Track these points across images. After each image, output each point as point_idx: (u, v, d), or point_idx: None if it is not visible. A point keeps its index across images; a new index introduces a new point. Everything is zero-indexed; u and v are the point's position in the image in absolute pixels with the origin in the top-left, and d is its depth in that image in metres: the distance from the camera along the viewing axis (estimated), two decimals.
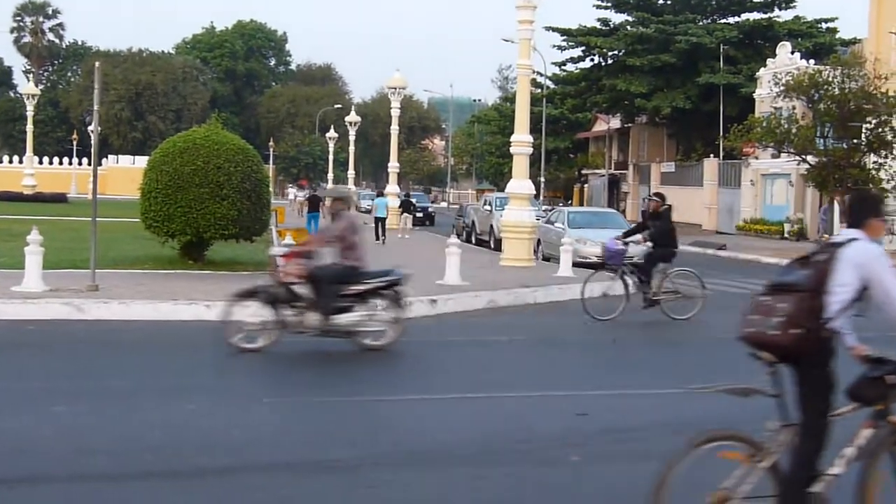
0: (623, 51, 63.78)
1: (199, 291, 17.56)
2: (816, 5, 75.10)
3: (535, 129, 52.99)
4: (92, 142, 19.56)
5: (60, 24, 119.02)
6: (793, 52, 51.89)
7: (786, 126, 39.23)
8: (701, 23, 64.35)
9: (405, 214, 42.75)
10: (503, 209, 29.08)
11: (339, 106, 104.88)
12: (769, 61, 52.91)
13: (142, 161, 22.93)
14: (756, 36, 62.11)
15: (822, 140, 38.93)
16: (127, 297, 16.51)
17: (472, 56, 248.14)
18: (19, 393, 10.38)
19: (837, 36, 61.71)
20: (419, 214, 53.78)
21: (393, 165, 51.12)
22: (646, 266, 18.25)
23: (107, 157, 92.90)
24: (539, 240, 29.77)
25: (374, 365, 12.86)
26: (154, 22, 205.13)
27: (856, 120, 37.87)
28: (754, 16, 64.54)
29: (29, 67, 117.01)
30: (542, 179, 68.69)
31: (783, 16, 64.11)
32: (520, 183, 27.38)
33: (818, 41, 59.61)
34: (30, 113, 69.80)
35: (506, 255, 26.96)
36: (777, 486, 5.77)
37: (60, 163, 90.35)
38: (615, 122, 73.83)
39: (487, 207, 39.39)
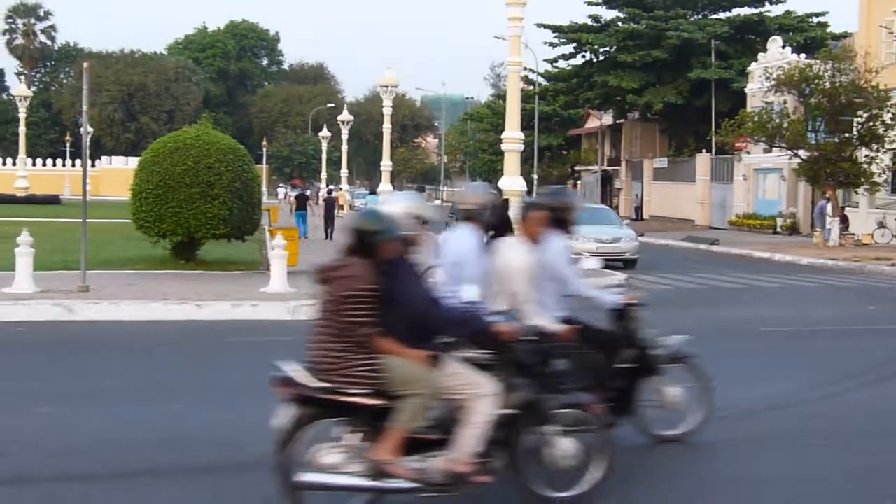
0: (614, 47, 63.77)
1: (191, 291, 17.57)
2: (807, 0, 75.23)
3: (527, 126, 52.99)
4: (83, 142, 19.55)
5: (52, 26, 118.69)
6: (784, 47, 51.93)
7: (777, 120, 39.26)
8: (692, 18, 64.39)
9: None
10: None
11: (332, 105, 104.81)
12: (760, 56, 52.95)
13: (135, 162, 22.91)
14: (747, 31, 62.12)
15: (813, 134, 38.98)
16: (117, 297, 16.52)
17: (464, 54, 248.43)
18: (5, 394, 10.38)
19: (828, 30, 61.72)
20: None
21: (386, 164, 51.03)
22: None
23: (100, 159, 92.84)
24: None
25: None
26: (146, 23, 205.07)
27: (847, 114, 37.94)
28: (745, 11, 64.54)
29: (21, 69, 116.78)
30: (535, 176, 68.68)
31: (774, 10, 64.15)
32: (511, 180, 27.35)
33: (809, 35, 59.66)
34: (22, 115, 69.73)
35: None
36: None
37: (54, 164, 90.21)
38: (607, 119, 73.87)
39: None
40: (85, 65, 18.64)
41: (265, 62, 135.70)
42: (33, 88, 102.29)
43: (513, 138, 27.55)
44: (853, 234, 39.29)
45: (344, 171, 69.01)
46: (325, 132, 79.64)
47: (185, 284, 18.65)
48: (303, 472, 6.28)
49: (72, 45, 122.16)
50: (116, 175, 79.92)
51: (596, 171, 75.00)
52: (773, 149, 41.69)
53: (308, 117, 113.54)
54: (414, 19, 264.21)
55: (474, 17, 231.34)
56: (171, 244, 22.27)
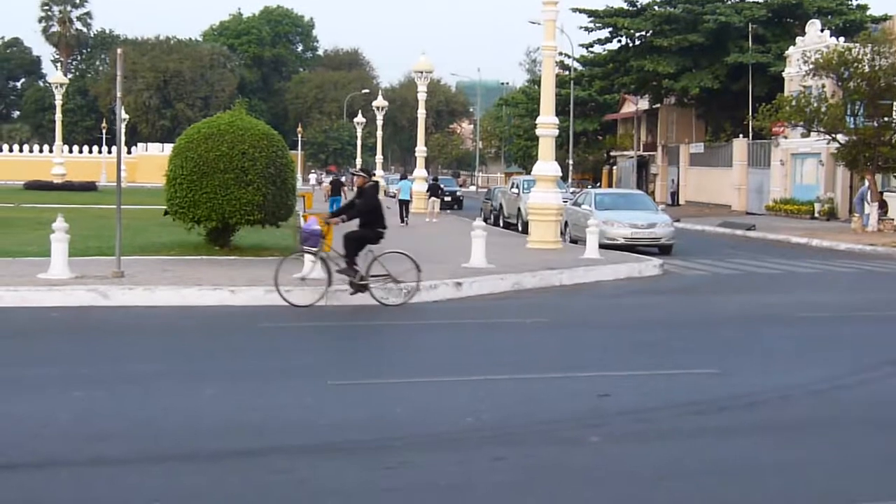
0: (650, 31, 63.30)
1: (225, 277, 17.59)
2: None
3: (563, 112, 52.85)
4: (117, 129, 19.60)
5: (88, 13, 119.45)
6: (822, 30, 51.39)
7: (815, 105, 38.88)
8: (729, 2, 63.81)
9: (433, 198, 42.79)
10: (530, 192, 28.97)
11: (367, 91, 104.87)
12: (798, 39, 52.43)
13: (170, 149, 22.93)
14: (785, 14, 61.52)
15: (852, 118, 38.58)
16: (152, 283, 16.55)
17: (499, 39, 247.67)
18: (40, 378, 10.42)
19: (867, 13, 61.03)
20: (447, 198, 53.92)
21: (420, 149, 51.10)
22: (348, 248, 16.49)
23: (136, 146, 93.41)
24: (566, 222, 29.66)
25: (394, 346, 12.85)
26: (181, 9, 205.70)
27: (886, 98, 37.51)
28: None
29: (57, 57, 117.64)
30: (571, 162, 68.51)
31: None
32: (546, 165, 27.28)
33: (848, 18, 58.99)
34: (58, 102, 70.16)
35: (532, 237, 26.89)
36: None
37: (90, 151, 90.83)
38: (643, 104, 73.43)
39: (515, 190, 39.29)
40: (119, 51, 18.66)
41: (300, 48, 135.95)
42: (69, 76, 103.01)
43: (547, 123, 27.46)
44: (892, 220, 38.85)
45: (379, 157, 69.07)
46: (359, 118, 79.74)
47: (218, 270, 18.68)
48: None
49: (107, 31, 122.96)
50: (152, 162, 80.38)
51: (632, 157, 74.60)
52: (811, 133, 41.31)
53: (343, 103, 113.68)
54: (449, 4, 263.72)
55: (510, 2, 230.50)
56: (206, 230, 22.31)
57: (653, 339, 13.98)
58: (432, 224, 38.80)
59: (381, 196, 18.11)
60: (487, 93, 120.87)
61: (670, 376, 11.05)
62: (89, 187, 62.01)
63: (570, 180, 63.91)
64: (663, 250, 27.94)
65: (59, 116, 71.37)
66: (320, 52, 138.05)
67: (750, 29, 58.74)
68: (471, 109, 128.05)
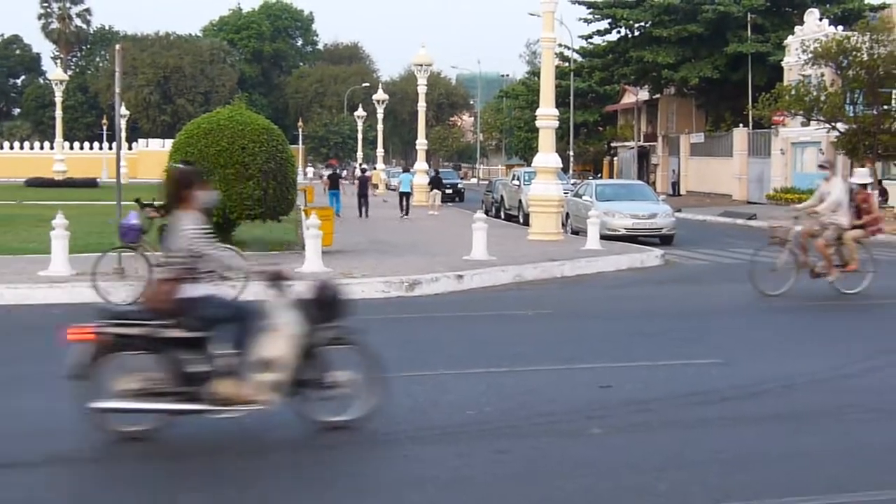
0: (650, 22, 63.21)
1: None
2: None
3: (563, 103, 52.79)
4: (116, 125, 19.61)
5: (87, 10, 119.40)
6: (821, 19, 51.31)
7: (815, 93, 38.87)
8: None
9: (434, 191, 42.88)
10: (531, 183, 28.97)
11: (367, 84, 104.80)
12: (797, 29, 52.35)
13: (171, 144, 22.93)
14: (783, 3, 61.38)
15: (851, 107, 38.58)
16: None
17: (499, 31, 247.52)
18: (43, 376, 10.42)
19: (865, 1, 60.86)
20: (448, 191, 53.94)
21: (421, 142, 51.13)
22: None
23: (136, 141, 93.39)
24: (567, 213, 29.66)
25: (395, 340, 12.84)
26: (180, 5, 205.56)
27: (885, 86, 37.49)
28: None
29: (57, 53, 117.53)
30: (571, 153, 68.48)
31: None
32: (546, 157, 27.28)
33: (846, 7, 58.85)
34: (59, 99, 70.20)
35: (534, 229, 26.91)
36: None
37: (91, 148, 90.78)
38: (643, 94, 73.34)
39: (516, 182, 39.30)
40: (118, 47, 18.68)
41: (300, 43, 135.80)
42: (69, 72, 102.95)
43: (547, 115, 27.46)
44: (892, 207, 38.84)
45: (380, 151, 69.07)
46: (360, 112, 79.69)
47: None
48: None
49: (107, 28, 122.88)
50: (153, 157, 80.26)
51: (632, 148, 74.53)
52: (811, 122, 41.28)
53: (343, 97, 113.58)
54: None
55: None
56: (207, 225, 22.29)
57: (655, 329, 13.98)
58: (434, 217, 38.85)
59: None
60: (488, 85, 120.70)
61: (673, 367, 11.05)
62: (90, 184, 62.01)
63: (570, 172, 63.89)
64: (664, 240, 27.94)
65: (59, 113, 71.42)
66: (320, 46, 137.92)
67: (749, 18, 58.65)
68: (471, 102, 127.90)
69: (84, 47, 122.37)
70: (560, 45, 66.32)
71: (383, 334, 13.46)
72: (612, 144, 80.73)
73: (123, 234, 16.09)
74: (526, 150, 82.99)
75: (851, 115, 38.25)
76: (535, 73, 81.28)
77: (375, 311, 15.18)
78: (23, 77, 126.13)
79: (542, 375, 10.60)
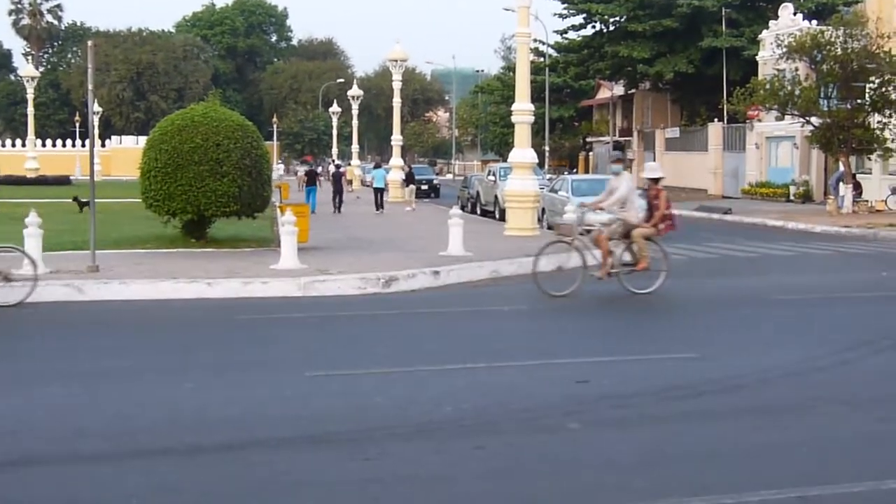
0: (624, 17, 63.35)
1: (201, 269, 17.52)
2: None
3: (538, 99, 52.79)
4: (89, 122, 19.46)
5: (58, 6, 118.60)
6: (795, 13, 51.51)
7: (789, 88, 38.98)
8: None
9: (409, 186, 42.93)
10: (507, 179, 28.95)
11: (342, 80, 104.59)
12: (771, 23, 52.52)
13: (145, 141, 22.83)
14: None
15: (825, 101, 38.70)
16: (127, 276, 16.47)
17: (474, 26, 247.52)
18: (15, 374, 10.35)
19: None
20: (424, 187, 54.00)
21: (396, 138, 51.04)
22: None
23: (110, 138, 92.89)
24: (543, 209, 29.64)
25: (372, 336, 12.80)
26: (153, 1, 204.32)
27: (859, 80, 37.64)
28: None
29: (28, 50, 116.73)
30: (547, 148, 68.49)
31: None
32: (522, 152, 27.27)
33: (820, 1, 59.12)
34: (30, 96, 69.70)
35: (510, 224, 26.90)
36: None
37: (63, 145, 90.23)
38: (619, 89, 73.50)
39: (492, 178, 39.29)
40: (90, 43, 18.51)
41: (274, 38, 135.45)
42: (41, 69, 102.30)
43: (523, 110, 27.43)
44: (866, 201, 39.04)
45: (355, 147, 68.94)
46: (335, 108, 79.51)
47: (195, 263, 18.59)
48: None
49: (78, 24, 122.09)
50: (127, 154, 79.90)
51: (608, 142, 74.63)
52: (786, 116, 41.42)
53: (318, 93, 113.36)
54: None
55: None
56: (181, 223, 22.21)
57: (631, 323, 14.01)
58: (409, 212, 38.82)
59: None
60: (463, 80, 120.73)
61: (649, 361, 11.05)
62: (63, 181, 61.64)
63: (546, 167, 63.90)
64: None
65: (31, 110, 70.92)
66: (294, 42, 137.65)
67: (723, 13, 58.84)
68: (446, 97, 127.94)
69: (55, 44, 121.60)
70: (535, 41, 66.39)
71: (360, 331, 13.44)
72: (588, 139, 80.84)
73: None
74: (501, 145, 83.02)
75: (825, 109, 38.38)
76: (510, 68, 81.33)
77: (352, 308, 15.14)
78: None
79: (519, 371, 10.58)
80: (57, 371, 10.50)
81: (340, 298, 16.06)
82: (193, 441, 7.88)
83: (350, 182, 56.66)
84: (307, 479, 6.97)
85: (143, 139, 68.37)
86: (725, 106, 52.56)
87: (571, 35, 71.87)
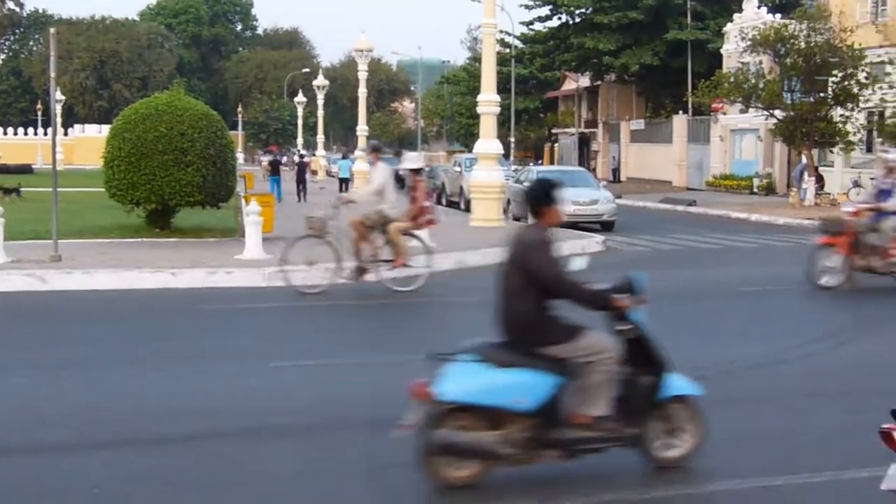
0: (590, 8, 63.44)
1: (165, 259, 17.42)
2: None
3: (504, 90, 52.74)
4: (51, 110, 19.29)
5: None
6: (759, 7, 51.75)
7: (753, 81, 39.18)
8: None
9: None
10: (472, 170, 28.97)
11: (308, 70, 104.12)
12: (736, 16, 52.78)
13: (108, 130, 22.64)
14: None
15: (789, 94, 38.92)
16: (91, 266, 16.34)
17: (440, 17, 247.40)
18: None
19: None
20: None
21: (361, 128, 50.87)
22: None
23: (72, 127, 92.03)
24: (509, 200, 29.68)
25: (336, 327, 12.79)
26: None
27: (822, 73, 37.88)
28: None
29: None
30: (513, 139, 68.53)
31: None
32: (488, 143, 27.27)
33: None
34: None
35: (475, 215, 26.91)
36: None
37: (25, 133, 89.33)
38: (584, 81, 73.62)
39: (457, 168, 39.30)
40: (52, 31, 18.32)
41: (239, 27, 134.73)
42: (2, 56, 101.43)
43: (488, 101, 27.43)
44: (829, 194, 39.35)
45: (320, 137, 68.70)
46: (300, 97, 79.16)
47: (159, 252, 18.49)
48: None
49: (41, 11, 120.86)
50: (90, 143, 79.21)
51: (573, 134, 74.83)
52: (750, 109, 41.64)
53: (283, 83, 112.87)
54: None
55: None
56: (145, 212, 22.08)
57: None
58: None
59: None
60: (429, 71, 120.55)
61: None
62: (25, 170, 60.91)
63: (511, 158, 63.97)
64: (605, 226, 28.06)
65: None
66: (260, 31, 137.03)
67: (688, 6, 59.06)
68: (412, 88, 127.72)
69: (17, 31, 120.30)
70: (501, 32, 66.34)
71: (326, 321, 13.41)
72: (553, 131, 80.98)
73: None
74: (467, 136, 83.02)
75: (789, 102, 38.61)
76: (476, 59, 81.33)
77: (317, 298, 15.09)
78: None
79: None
80: (20, 361, 10.42)
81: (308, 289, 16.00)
82: (158, 431, 7.85)
83: (314, 172, 56.56)
84: (270, 469, 6.95)
85: (106, 128, 67.81)
86: (690, 98, 52.78)
87: (537, 26, 71.96)
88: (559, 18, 67.61)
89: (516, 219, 28.80)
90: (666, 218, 35.29)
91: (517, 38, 76.11)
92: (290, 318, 13.77)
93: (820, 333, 12.27)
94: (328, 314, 14.08)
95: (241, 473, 6.86)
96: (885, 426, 4.48)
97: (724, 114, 51.52)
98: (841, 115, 37.95)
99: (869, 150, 41.37)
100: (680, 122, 58.42)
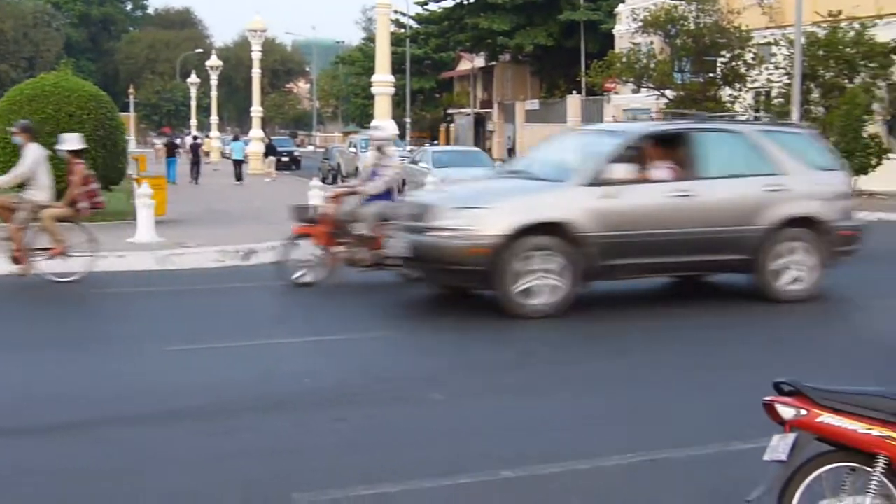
0: None
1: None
2: None
3: (399, 70, 52.76)
4: None
5: None
6: None
7: (644, 61, 39.74)
8: None
9: (269, 158, 42.89)
10: (368, 150, 28.90)
11: (200, 50, 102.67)
12: None
13: None
14: None
15: (679, 74, 39.56)
16: None
17: None
18: None
19: None
20: (285, 158, 53.81)
21: (256, 110, 50.41)
22: None
23: None
24: (404, 180, 29.66)
25: (229, 309, 12.70)
26: None
27: (711, 54, 38.56)
28: None
29: None
30: (408, 120, 68.55)
31: None
32: (383, 123, 27.19)
33: None
34: None
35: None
36: None
37: None
38: (479, 61, 73.91)
39: (353, 149, 39.23)
40: None
41: (129, 7, 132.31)
42: None
43: (383, 82, 27.33)
44: None
45: (214, 118, 67.85)
46: (193, 78, 77.98)
47: (49, 236, 18.08)
48: None
49: None
50: None
51: (469, 114, 75.09)
52: (642, 89, 42.22)
53: (176, 63, 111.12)
54: None
55: None
56: None
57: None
58: (270, 184, 38.61)
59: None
60: (324, 52, 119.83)
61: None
62: None
63: (407, 139, 63.99)
64: None
65: None
66: (151, 11, 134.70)
67: None
68: (307, 68, 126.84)
69: None
70: (396, 12, 66.28)
71: (220, 304, 13.30)
72: (449, 111, 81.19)
73: None
74: (363, 116, 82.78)
75: (679, 82, 39.25)
76: (371, 39, 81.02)
77: (210, 281, 14.98)
78: None
79: (378, 342, 10.63)
80: None
81: (199, 272, 15.85)
82: (46, 420, 7.71)
83: (207, 154, 55.98)
84: (165, 454, 6.88)
85: None
86: (583, 79, 53.35)
87: (432, 6, 72.06)
88: None
89: None
90: None
91: (412, 18, 76.08)
92: (185, 301, 13.60)
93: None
94: (241, 296, 13.97)
95: (133, 460, 6.78)
96: (767, 398, 4.61)
97: (617, 94, 52.16)
98: (730, 95, 38.71)
99: None
100: (574, 101, 58.99)
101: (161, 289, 14.35)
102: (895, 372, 8.94)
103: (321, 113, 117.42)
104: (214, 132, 68.10)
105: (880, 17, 34.47)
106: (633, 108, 51.81)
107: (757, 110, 40.73)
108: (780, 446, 4.53)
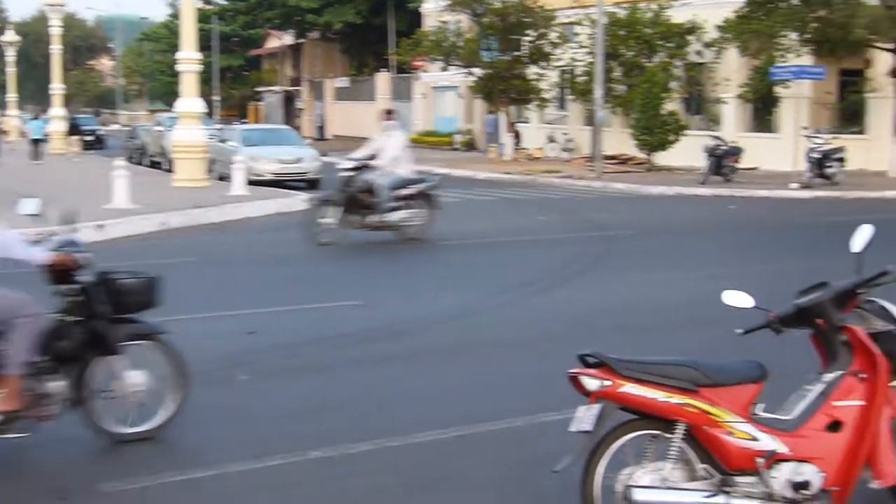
0: None
1: None
2: None
3: (206, 47, 51.73)
4: None
5: None
6: None
7: (452, 39, 40.17)
8: None
9: (72, 137, 41.82)
10: (175, 129, 28.35)
11: None
12: None
13: None
14: None
15: (487, 53, 40.12)
16: None
17: None
18: None
19: None
20: (89, 137, 52.38)
21: (57, 87, 48.71)
22: None
23: None
24: (213, 159, 29.22)
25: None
26: None
27: (517, 33, 39.24)
28: None
29: None
30: (217, 98, 67.45)
31: None
32: (190, 102, 26.73)
33: None
34: None
35: (178, 175, 26.41)
36: None
37: None
38: (288, 39, 73.22)
39: (159, 128, 38.33)
40: None
41: None
42: None
43: (189, 59, 26.87)
44: (525, 149, 40.93)
45: (11, 96, 65.32)
46: None
47: None
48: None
49: None
50: None
51: (278, 92, 74.36)
52: (450, 67, 42.64)
53: None
54: None
55: None
56: None
57: (299, 273, 14.15)
58: (72, 163, 37.52)
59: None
60: (128, 28, 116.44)
61: (317, 310, 11.25)
62: None
63: (216, 116, 62.94)
64: (311, 184, 28.12)
65: None
66: None
67: None
68: (111, 45, 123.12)
69: None
70: None
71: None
72: (258, 89, 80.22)
73: None
74: (169, 95, 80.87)
75: (487, 60, 39.81)
76: (176, 15, 79.12)
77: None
78: None
79: (189, 324, 10.43)
80: None
81: None
82: None
83: (5, 132, 53.88)
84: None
85: None
86: (392, 56, 53.50)
87: None
88: None
89: (222, 178, 28.44)
90: None
91: None
92: None
93: (515, 282, 12.80)
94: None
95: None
96: (572, 370, 4.76)
97: (426, 72, 52.50)
98: (535, 74, 39.52)
99: (562, 106, 43.25)
100: (383, 79, 59.09)
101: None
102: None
103: (126, 91, 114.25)
104: (13, 111, 65.58)
105: None
106: (442, 85, 52.28)
107: (562, 89, 41.75)
108: (585, 417, 4.68)
